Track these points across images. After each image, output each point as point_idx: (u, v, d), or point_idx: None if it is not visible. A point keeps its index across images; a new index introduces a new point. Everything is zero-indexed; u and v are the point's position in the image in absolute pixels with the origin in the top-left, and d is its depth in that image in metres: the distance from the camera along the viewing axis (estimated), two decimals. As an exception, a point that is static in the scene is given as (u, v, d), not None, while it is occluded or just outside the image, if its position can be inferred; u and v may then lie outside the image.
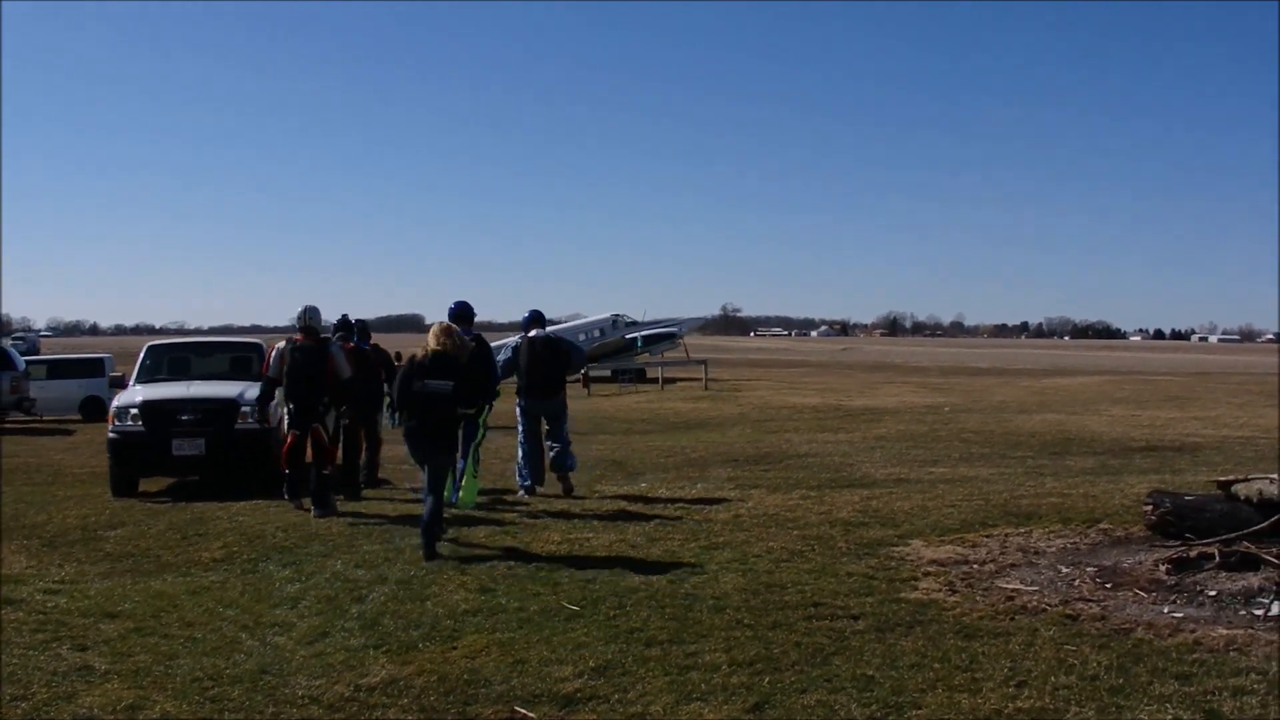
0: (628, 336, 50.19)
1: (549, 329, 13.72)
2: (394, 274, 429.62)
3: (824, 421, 25.20)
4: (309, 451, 12.14)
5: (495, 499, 12.58)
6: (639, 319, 52.55)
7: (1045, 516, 10.82)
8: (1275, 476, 9.42)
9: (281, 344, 12.38)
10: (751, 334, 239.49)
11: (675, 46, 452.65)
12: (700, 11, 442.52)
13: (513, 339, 12.68)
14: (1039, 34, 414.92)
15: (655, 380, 44.44)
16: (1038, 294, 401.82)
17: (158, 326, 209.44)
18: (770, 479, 14.26)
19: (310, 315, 12.38)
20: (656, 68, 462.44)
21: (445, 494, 10.28)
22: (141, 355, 15.95)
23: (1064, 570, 8.63)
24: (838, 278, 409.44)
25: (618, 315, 51.72)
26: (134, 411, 13.86)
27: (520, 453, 12.96)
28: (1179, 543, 8.78)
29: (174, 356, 16.53)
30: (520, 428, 12.93)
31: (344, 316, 14.32)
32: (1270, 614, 7.36)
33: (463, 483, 11.76)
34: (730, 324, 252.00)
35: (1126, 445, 18.50)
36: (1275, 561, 8.21)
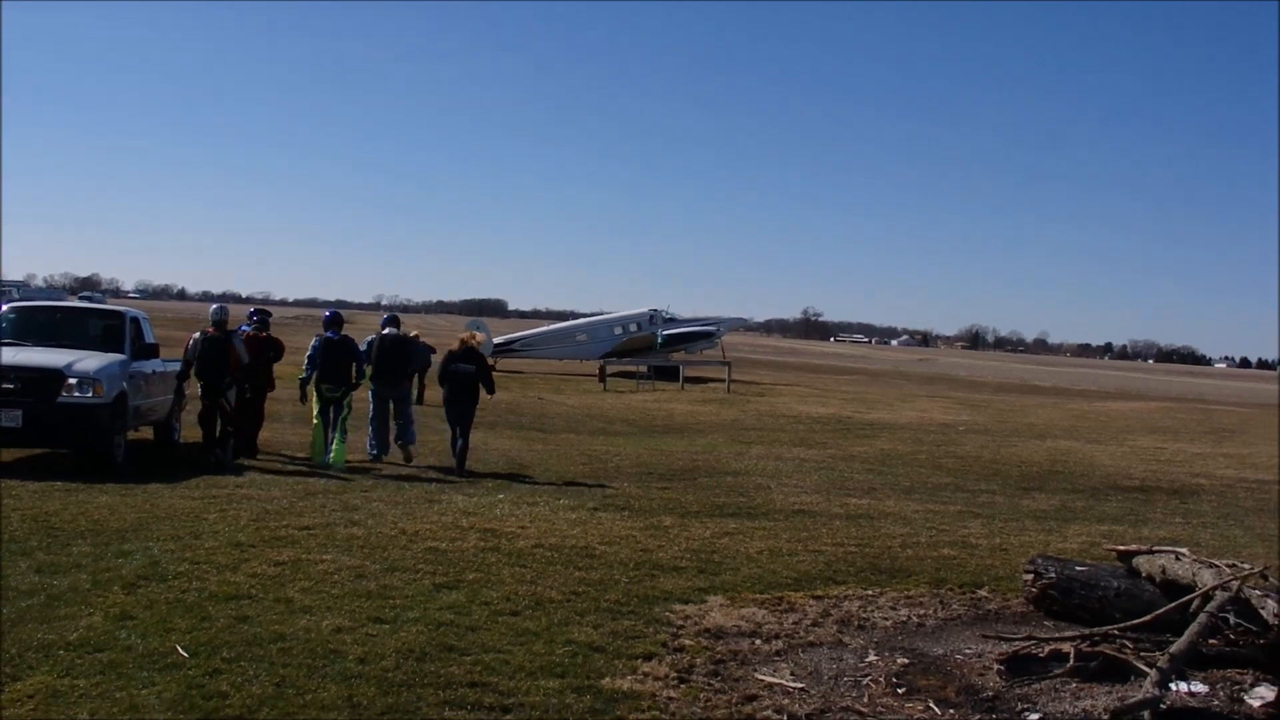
0: (661, 333, 47.56)
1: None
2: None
3: (811, 435, 22.90)
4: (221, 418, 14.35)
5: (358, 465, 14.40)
6: (676, 315, 50.16)
7: (918, 574, 8.64)
8: (1185, 551, 7.14)
9: (196, 334, 14.48)
10: (832, 339, 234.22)
11: (776, 42, 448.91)
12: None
13: (370, 336, 15.64)
14: (1150, 40, 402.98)
15: (691, 379, 41.79)
16: (1125, 315, 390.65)
17: (244, 295, 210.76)
18: (653, 500, 12.17)
19: (219, 312, 14.66)
20: (749, 63, 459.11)
21: (318, 457, 14.45)
22: None
23: (869, 659, 6.45)
24: (924, 288, 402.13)
25: (655, 310, 49.20)
26: None
27: (370, 428, 15.32)
28: (1022, 635, 6.54)
29: (34, 321, 14.84)
30: (371, 408, 15.32)
31: (256, 309, 16.70)
32: (1097, 757, 5.16)
33: (333, 448, 14.35)
34: (811, 328, 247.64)
35: (1115, 483, 16.02)
36: (1145, 669, 5.97)
